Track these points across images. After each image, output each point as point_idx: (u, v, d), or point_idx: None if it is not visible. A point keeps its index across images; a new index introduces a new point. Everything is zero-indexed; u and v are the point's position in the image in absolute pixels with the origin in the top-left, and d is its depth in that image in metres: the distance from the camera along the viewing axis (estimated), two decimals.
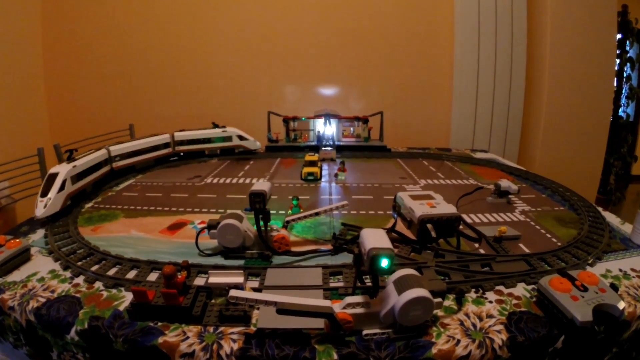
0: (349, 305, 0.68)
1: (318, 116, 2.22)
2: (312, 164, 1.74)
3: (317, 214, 1.07)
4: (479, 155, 2.21)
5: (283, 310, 0.64)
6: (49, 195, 1.23)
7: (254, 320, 0.73)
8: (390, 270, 0.65)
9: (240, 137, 2.12)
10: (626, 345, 0.76)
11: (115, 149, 1.71)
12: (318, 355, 0.65)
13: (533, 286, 0.84)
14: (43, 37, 2.79)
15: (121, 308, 0.77)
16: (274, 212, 1.24)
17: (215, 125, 2.10)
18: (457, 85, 2.72)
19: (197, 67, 2.83)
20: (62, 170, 1.33)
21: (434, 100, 2.87)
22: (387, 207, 1.32)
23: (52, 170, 1.34)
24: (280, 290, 0.82)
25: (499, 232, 1.07)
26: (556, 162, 2.66)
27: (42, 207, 1.19)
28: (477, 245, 1.04)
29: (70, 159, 1.47)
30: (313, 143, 2.24)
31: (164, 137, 1.96)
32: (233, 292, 0.63)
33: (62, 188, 1.28)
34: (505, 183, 1.39)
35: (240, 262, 0.96)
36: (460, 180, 1.68)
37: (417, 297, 0.65)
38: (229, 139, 2.11)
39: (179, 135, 2.01)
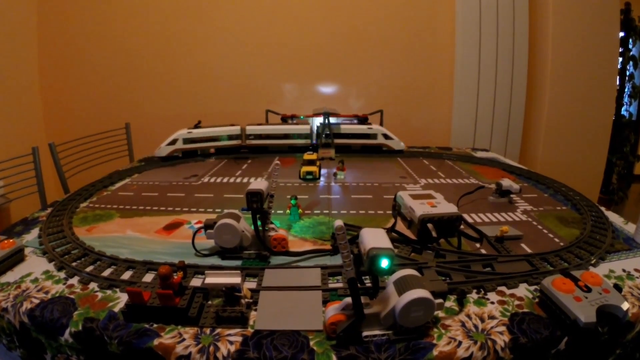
0: (349, 306, 0.67)
1: (317, 114, 2.21)
2: (311, 162, 1.73)
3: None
4: (480, 154, 2.20)
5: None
6: (161, 145, 1.93)
7: (251, 322, 0.72)
8: (390, 271, 0.65)
9: (385, 136, 2.07)
10: (630, 346, 0.76)
11: (250, 129, 2.02)
12: (317, 358, 0.64)
13: (535, 287, 0.83)
14: (38, 35, 2.78)
15: (116, 309, 0.76)
16: (272, 211, 1.23)
17: (361, 121, 2.06)
18: (458, 82, 2.71)
19: (194, 65, 2.82)
20: (180, 132, 1.97)
21: (434, 99, 2.86)
22: (387, 207, 1.32)
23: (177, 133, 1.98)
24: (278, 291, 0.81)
25: (501, 232, 1.05)
26: (558, 161, 2.65)
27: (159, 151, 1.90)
28: (478, 245, 1.03)
29: (196, 127, 2.03)
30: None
31: (305, 128, 2.04)
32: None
33: (171, 144, 1.95)
34: (506, 182, 1.38)
35: (238, 263, 0.95)
36: (461, 180, 1.66)
37: (417, 298, 0.64)
38: (374, 136, 2.07)
39: (251, 129, 2.05)
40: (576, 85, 2.57)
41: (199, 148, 2.05)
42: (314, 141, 2.11)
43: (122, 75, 2.84)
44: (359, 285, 0.65)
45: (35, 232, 1.15)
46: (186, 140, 1.97)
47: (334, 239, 1.03)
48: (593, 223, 1.16)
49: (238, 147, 2.08)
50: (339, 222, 0.61)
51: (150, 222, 1.22)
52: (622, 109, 3.28)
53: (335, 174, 1.70)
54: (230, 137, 2.05)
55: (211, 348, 0.66)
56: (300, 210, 1.25)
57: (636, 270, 0.91)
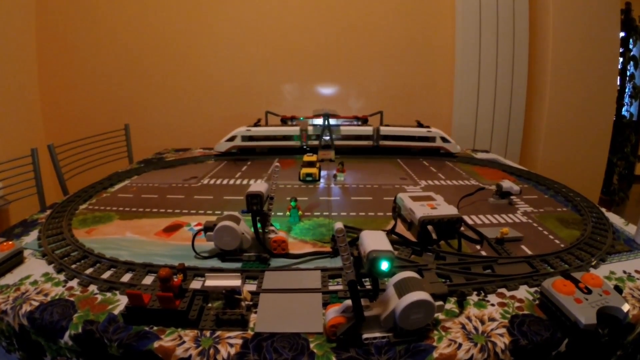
0: (349, 308, 0.67)
1: (317, 116, 2.20)
2: (311, 164, 1.73)
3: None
4: (480, 155, 2.19)
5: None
6: (221, 140, 2.03)
7: (251, 325, 0.72)
8: (390, 273, 0.64)
9: (443, 139, 2.07)
10: (631, 348, 0.75)
11: (255, 131, 2.03)
12: None
13: (536, 288, 0.83)
14: (37, 36, 2.78)
15: (116, 312, 0.75)
16: (272, 213, 1.23)
17: (420, 125, 2.09)
18: (458, 84, 2.71)
19: (193, 66, 2.82)
20: (239, 129, 2.04)
21: (434, 100, 2.86)
22: (387, 209, 1.31)
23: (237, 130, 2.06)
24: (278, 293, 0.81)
25: (501, 234, 1.05)
26: (559, 162, 2.65)
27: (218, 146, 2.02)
28: (478, 247, 1.03)
29: (255, 125, 2.09)
30: None
31: (368, 129, 2.05)
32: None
33: (230, 140, 2.03)
34: (507, 184, 1.38)
35: (238, 265, 0.95)
36: (462, 181, 1.66)
37: (417, 300, 0.64)
38: (432, 139, 2.07)
39: (384, 130, 2.06)
40: (577, 86, 2.58)
41: (257, 146, 2.08)
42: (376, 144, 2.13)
43: (121, 76, 2.84)
44: (359, 287, 0.65)
45: (34, 234, 1.14)
46: (244, 138, 2.01)
47: (334, 241, 1.03)
48: (594, 224, 1.16)
49: (295, 148, 2.09)
50: (339, 225, 0.61)
51: (149, 224, 1.21)
52: (623, 109, 3.27)
53: (335, 176, 1.70)
54: (287, 138, 2.07)
55: (211, 351, 0.65)
56: (300, 212, 1.24)
57: (637, 271, 0.90)
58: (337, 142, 2.08)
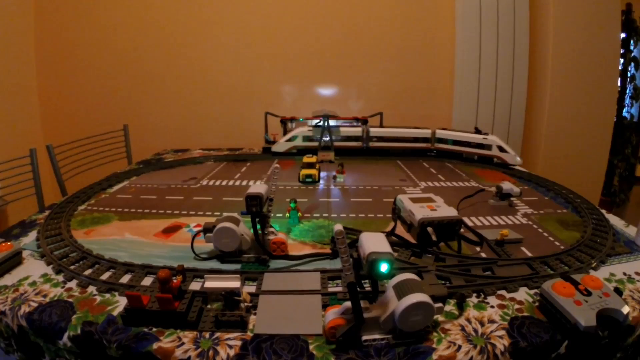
0: (348, 310, 0.66)
1: (316, 117, 2.20)
2: (310, 165, 1.72)
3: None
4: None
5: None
6: (280, 140, 2.08)
7: (250, 326, 0.72)
8: (389, 275, 0.64)
9: (500, 148, 1.94)
10: (631, 350, 0.75)
11: (374, 131, 2.02)
12: None
13: (535, 290, 0.83)
14: (36, 36, 2.77)
15: (115, 313, 0.75)
16: (271, 215, 1.23)
17: (478, 131, 2.01)
18: (458, 85, 2.71)
19: (192, 67, 2.82)
20: (300, 129, 2.06)
21: (434, 101, 2.86)
22: (387, 210, 1.31)
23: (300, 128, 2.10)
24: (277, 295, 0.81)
25: (501, 236, 1.05)
26: (559, 164, 2.65)
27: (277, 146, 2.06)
28: (478, 249, 1.03)
29: (316, 126, 2.08)
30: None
31: (425, 132, 2.02)
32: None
33: (290, 140, 2.07)
34: (507, 185, 1.38)
35: (237, 267, 0.95)
36: (461, 183, 1.66)
37: (417, 302, 0.64)
38: (489, 147, 1.95)
39: (441, 133, 2.02)
40: (577, 87, 2.57)
41: (316, 147, 2.07)
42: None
43: (120, 76, 2.83)
44: (358, 289, 0.64)
45: (33, 234, 1.14)
46: (305, 138, 2.02)
47: (334, 242, 1.03)
48: (594, 226, 1.15)
49: (359, 149, 2.08)
50: (338, 227, 0.61)
51: (148, 225, 1.21)
52: (624, 110, 3.26)
53: (334, 177, 1.70)
54: (350, 138, 2.07)
55: (210, 352, 0.65)
56: (299, 214, 1.24)
57: (637, 273, 0.90)
58: (391, 145, 2.07)
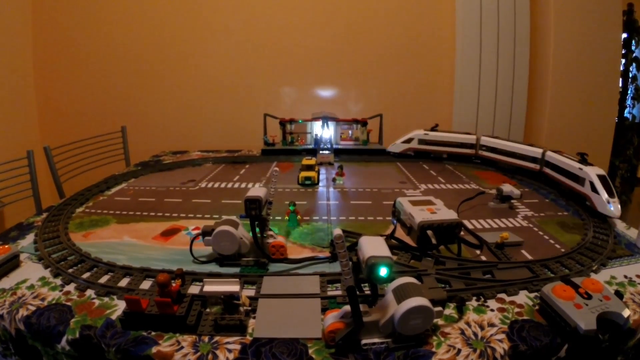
0: (347, 313, 0.66)
1: (316, 119, 2.20)
2: (310, 168, 1.72)
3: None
4: None
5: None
6: (397, 141, 2.10)
7: (249, 330, 0.72)
8: (389, 279, 0.64)
9: (593, 187, 1.42)
10: (631, 354, 0.75)
11: (485, 140, 1.92)
12: None
13: (536, 294, 0.83)
14: (33, 37, 2.77)
15: (113, 317, 0.75)
16: (270, 218, 1.22)
17: (583, 159, 1.46)
18: (458, 87, 2.71)
19: (191, 68, 2.81)
20: (416, 132, 2.06)
21: (434, 103, 2.86)
22: (387, 213, 1.31)
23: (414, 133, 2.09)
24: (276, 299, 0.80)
25: (501, 239, 1.05)
26: None
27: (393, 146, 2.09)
28: (478, 252, 1.03)
29: (433, 129, 2.06)
30: (310, 146, 2.22)
31: (537, 151, 1.74)
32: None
33: (406, 142, 2.06)
34: (507, 188, 1.38)
35: (236, 270, 0.95)
36: (462, 185, 1.66)
37: (416, 306, 0.64)
38: (582, 181, 1.39)
39: (550, 156, 1.66)
40: (578, 88, 2.57)
41: (432, 151, 2.06)
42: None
43: (119, 78, 2.82)
44: (358, 292, 0.64)
45: (30, 237, 1.14)
46: (421, 141, 2.01)
47: (333, 245, 1.03)
48: (595, 229, 1.15)
49: (470, 156, 2.02)
50: (338, 231, 0.61)
51: (147, 228, 1.21)
52: (625, 111, 3.25)
53: (334, 180, 1.70)
54: (463, 145, 2.01)
55: (210, 356, 0.65)
56: (298, 217, 1.24)
57: (638, 276, 0.90)
58: (499, 157, 1.86)
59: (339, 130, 2.25)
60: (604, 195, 1.28)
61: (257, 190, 0.96)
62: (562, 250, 1.04)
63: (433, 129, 2.07)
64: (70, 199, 1.45)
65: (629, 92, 3.22)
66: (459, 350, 0.66)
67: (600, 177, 1.30)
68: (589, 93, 2.59)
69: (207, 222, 1.24)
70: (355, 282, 0.64)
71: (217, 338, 0.69)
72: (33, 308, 0.78)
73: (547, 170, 1.61)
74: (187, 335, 0.70)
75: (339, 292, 0.84)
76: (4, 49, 2.58)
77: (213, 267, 0.96)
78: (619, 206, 1.23)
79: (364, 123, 2.22)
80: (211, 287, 0.74)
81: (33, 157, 1.85)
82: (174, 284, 0.75)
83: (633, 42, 3.11)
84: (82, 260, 0.97)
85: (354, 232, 1.13)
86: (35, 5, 2.73)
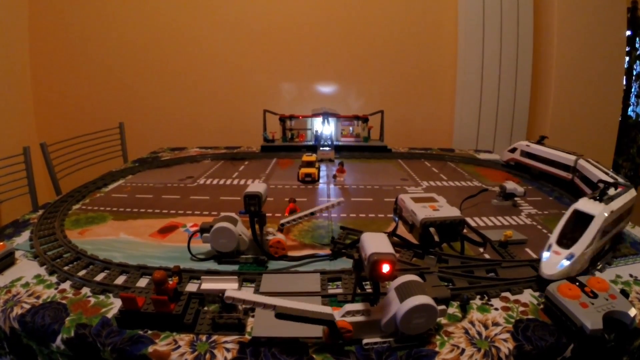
0: (349, 312, 0.66)
1: (316, 115, 2.19)
2: (310, 164, 1.71)
3: (312, 213, 1.05)
4: (483, 156, 2.18)
5: (282, 315, 0.62)
6: (504, 150, 1.89)
7: (248, 329, 0.71)
8: (391, 277, 0.63)
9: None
10: (637, 354, 0.74)
11: (532, 148, 1.77)
12: None
13: (540, 292, 0.82)
14: (30, 33, 2.76)
15: (109, 315, 0.74)
16: (270, 214, 1.21)
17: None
18: (460, 83, 2.70)
19: (189, 64, 2.81)
20: (520, 143, 1.83)
21: (436, 99, 2.85)
22: (388, 210, 1.30)
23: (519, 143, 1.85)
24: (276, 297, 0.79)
25: (505, 236, 1.04)
26: None
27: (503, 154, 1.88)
28: (481, 250, 1.02)
29: (540, 142, 1.79)
30: (311, 143, 2.21)
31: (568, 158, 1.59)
32: (229, 293, 0.62)
33: (511, 151, 1.86)
34: (510, 185, 1.37)
35: (235, 267, 0.94)
36: (464, 182, 1.65)
37: (419, 304, 0.63)
38: None
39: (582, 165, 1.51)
40: (582, 85, 2.57)
41: (532, 166, 1.79)
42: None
43: (116, 73, 2.82)
44: (359, 291, 0.63)
45: (26, 234, 1.13)
46: (522, 153, 1.86)
47: (334, 243, 1.02)
48: None
49: (565, 180, 1.63)
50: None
51: (144, 225, 1.20)
52: (629, 109, 3.25)
53: (334, 176, 1.69)
54: (560, 166, 1.65)
55: (207, 355, 0.64)
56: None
57: None
58: None
59: (340, 126, 2.24)
60: None
61: (256, 186, 0.95)
62: None
63: (539, 142, 1.80)
64: (67, 195, 1.44)
65: (632, 90, 3.20)
66: (463, 350, 0.65)
67: None
68: (593, 91, 2.58)
69: (205, 219, 1.22)
70: (358, 279, 0.63)
71: (215, 337, 0.68)
72: (28, 306, 0.77)
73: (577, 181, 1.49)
74: (184, 334, 0.69)
75: (339, 290, 0.83)
76: (0, 45, 2.56)
77: (211, 265, 0.95)
78: None
79: (364, 119, 2.21)
80: (209, 285, 0.73)
81: (29, 154, 1.84)
82: (170, 282, 0.74)
83: (637, 39, 3.09)
84: (78, 258, 0.96)
85: (355, 230, 1.12)
86: (32, 2, 2.72)
